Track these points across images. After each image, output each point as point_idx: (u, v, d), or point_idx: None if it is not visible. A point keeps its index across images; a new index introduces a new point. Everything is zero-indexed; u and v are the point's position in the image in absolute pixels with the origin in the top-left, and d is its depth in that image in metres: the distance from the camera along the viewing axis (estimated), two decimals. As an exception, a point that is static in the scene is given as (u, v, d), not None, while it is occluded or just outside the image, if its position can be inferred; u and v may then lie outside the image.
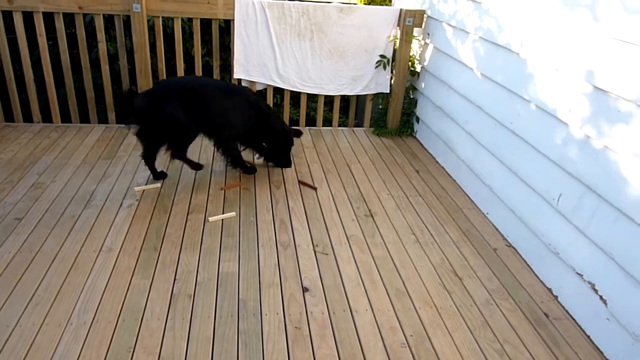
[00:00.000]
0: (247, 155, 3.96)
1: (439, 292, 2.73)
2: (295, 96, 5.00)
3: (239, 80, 4.67)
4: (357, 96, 5.12)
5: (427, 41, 4.62)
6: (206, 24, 4.64)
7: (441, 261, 2.99)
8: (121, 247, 2.89)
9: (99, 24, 4.29)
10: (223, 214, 3.30)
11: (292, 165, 4.05)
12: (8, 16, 4.22)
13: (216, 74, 4.69)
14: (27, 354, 2.14)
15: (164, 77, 4.54)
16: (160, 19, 4.36)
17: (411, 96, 4.99)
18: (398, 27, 4.71)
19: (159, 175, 3.70)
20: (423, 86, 4.74)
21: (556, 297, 2.76)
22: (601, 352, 2.40)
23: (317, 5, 4.51)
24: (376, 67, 4.82)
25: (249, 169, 3.89)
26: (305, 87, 4.82)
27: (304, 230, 3.20)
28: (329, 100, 5.10)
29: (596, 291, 2.47)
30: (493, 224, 3.42)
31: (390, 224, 3.34)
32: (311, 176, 3.93)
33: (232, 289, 2.62)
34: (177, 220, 3.20)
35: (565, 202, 2.73)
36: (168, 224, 3.15)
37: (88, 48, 4.42)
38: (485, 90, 3.59)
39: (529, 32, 3.08)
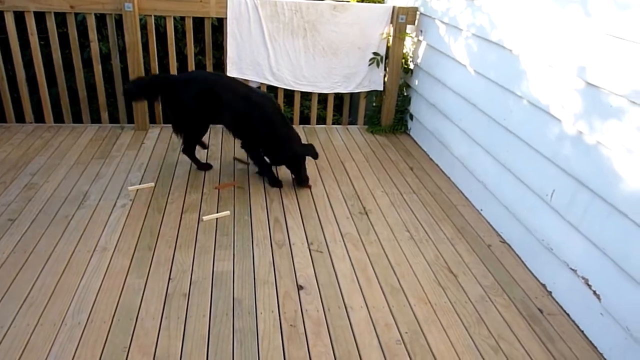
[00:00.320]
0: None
1: (434, 288, 2.74)
2: (289, 94, 5.00)
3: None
4: (351, 94, 5.12)
5: (420, 38, 4.62)
6: (199, 22, 4.63)
7: (436, 258, 3.00)
8: (115, 246, 2.88)
9: (91, 23, 4.27)
10: (217, 213, 3.29)
11: (307, 182, 3.73)
12: (-1, 16, 4.20)
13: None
14: (21, 355, 2.13)
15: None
16: (153, 17, 4.34)
17: (405, 94, 4.99)
18: (391, 25, 4.70)
19: (202, 166, 3.89)
20: (416, 83, 4.75)
21: (550, 292, 2.77)
22: (595, 347, 2.42)
23: (310, 3, 4.50)
24: (369, 65, 4.82)
25: (275, 182, 3.72)
26: (299, 85, 4.82)
27: (298, 229, 3.20)
28: (322, 98, 5.09)
29: (590, 286, 2.48)
30: (487, 221, 3.43)
31: (385, 221, 3.35)
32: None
33: (227, 287, 2.62)
34: (171, 219, 3.19)
35: (558, 198, 2.74)
36: (162, 223, 3.15)
37: (80, 47, 4.40)
38: (478, 87, 3.60)
39: (521, 28, 3.08)
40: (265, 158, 3.74)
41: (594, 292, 2.45)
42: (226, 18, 4.43)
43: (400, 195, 3.72)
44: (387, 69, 4.87)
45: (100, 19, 4.63)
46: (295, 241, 3.06)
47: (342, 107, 5.29)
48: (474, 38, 3.65)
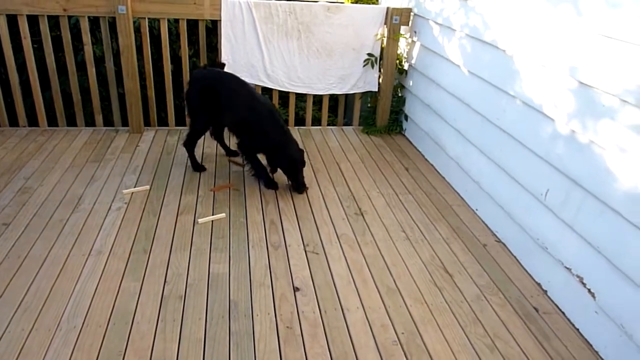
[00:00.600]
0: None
1: (430, 289, 2.74)
2: (284, 96, 5.00)
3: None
4: (346, 95, 5.12)
5: (414, 39, 4.63)
6: (193, 24, 4.63)
7: (431, 258, 3.01)
8: (110, 250, 2.88)
9: (85, 26, 4.26)
10: (213, 215, 3.29)
11: (304, 187, 3.68)
12: (-8, 19, 4.18)
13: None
14: (16, 360, 2.12)
15: (151, 79, 4.51)
16: (147, 20, 4.33)
17: (399, 94, 5.00)
18: (385, 26, 4.71)
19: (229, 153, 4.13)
20: (411, 84, 4.76)
21: (545, 291, 2.78)
22: (590, 345, 2.43)
23: (304, 4, 4.51)
24: (364, 66, 4.83)
25: (271, 184, 3.71)
26: (294, 87, 4.82)
27: (294, 230, 3.20)
28: (317, 99, 5.10)
29: (584, 285, 2.50)
30: (482, 220, 3.44)
31: (381, 222, 3.35)
32: (301, 176, 3.93)
33: (223, 290, 2.62)
34: (166, 222, 3.19)
35: (552, 197, 2.75)
36: (157, 226, 3.14)
37: (74, 51, 4.38)
38: (472, 87, 3.61)
39: (514, 28, 3.10)
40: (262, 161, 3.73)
41: (589, 291, 2.46)
42: (220, 20, 4.42)
43: (395, 195, 3.73)
44: (382, 69, 4.88)
45: (94, 21, 4.62)
46: (291, 243, 3.06)
47: (337, 108, 5.30)
48: (467, 38, 3.66)
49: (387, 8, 4.66)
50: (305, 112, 5.09)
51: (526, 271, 2.95)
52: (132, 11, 4.20)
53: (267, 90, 4.86)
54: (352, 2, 5.19)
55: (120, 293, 2.55)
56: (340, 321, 2.46)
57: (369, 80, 4.93)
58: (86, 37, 4.31)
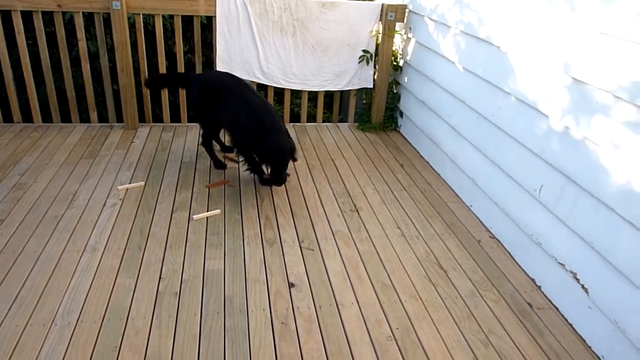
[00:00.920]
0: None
1: (424, 284, 2.75)
2: (279, 92, 4.99)
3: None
4: (341, 92, 5.13)
5: (409, 36, 4.64)
6: (188, 20, 4.61)
7: (426, 254, 3.02)
8: (105, 246, 2.87)
9: (79, 22, 4.24)
10: (208, 211, 3.29)
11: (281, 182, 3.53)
12: (-15, 15, 4.16)
13: (198, 71, 4.67)
14: (11, 356, 2.12)
15: (146, 75, 4.50)
16: (141, 16, 4.32)
17: (394, 91, 5.01)
18: (380, 22, 4.72)
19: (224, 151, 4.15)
20: (406, 81, 4.76)
21: (539, 287, 2.80)
22: (584, 340, 2.44)
23: (299, 0, 4.50)
24: (359, 62, 4.83)
25: (266, 180, 3.62)
26: (289, 83, 4.81)
27: (289, 226, 3.20)
28: (312, 96, 5.09)
29: (578, 280, 2.51)
30: (477, 216, 3.46)
31: (376, 219, 3.36)
32: (296, 172, 3.93)
33: (218, 286, 2.62)
34: (161, 218, 3.18)
35: (547, 193, 2.76)
36: (152, 222, 3.14)
37: (68, 47, 4.37)
38: (467, 84, 3.62)
39: (509, 25, 3.10)
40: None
41: (582, 286, 2.48)
42: (215, 16, 4.41)
43: (390, 192, 3.73)
44: (377, 66, 4.88)
45: (88, 17, 4.59)
46: (286, 239, 3.07)
47: (332, 105, 5.30)
48: (462, 35, 3.67)
49: (382, 4, 4.66)
50: (301, 109, 5.08)
51: (520, 267, 2.96)
52: (127, 7, 4.19)
53: (262, 87, 4.86)
54: (347, -1, 5.19)
55: (115, 289, 2.54)
56: (335, 317, 2.46)
57: (364, 77, 4.93)
58: (80, 33, 4.29)
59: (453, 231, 3.28)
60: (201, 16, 4.51)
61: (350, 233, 3.18)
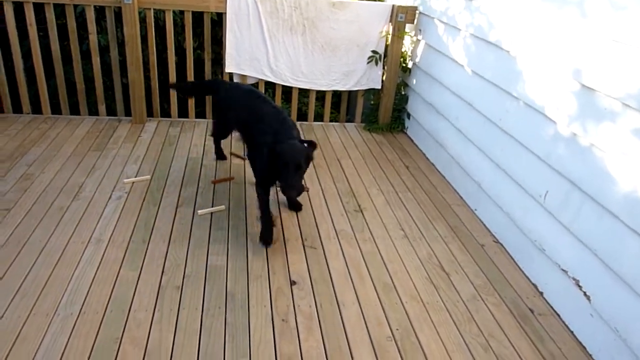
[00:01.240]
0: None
1: (426, 287, 2.75)
2: (287, 91, 5.00)
3: (231, 74, 4.66)
4: (349, 92, 5.13)
5: (419, 37, 4.63)
6: (198, 16, 4.62)
7: (429, 256, 3.02)
8: (110, 239, 2.89)
9: (90, 15, 4.27)
10: (212, 207, 3.30)
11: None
12: (-2, 6, 4.19)
13: (208, 67, 4.69)
14: (13, 345, 2.14)
15: (155, 70, 4.52)
16: (152, 11, 4.33)
17: (402, 92, 5.00)
18: (390, 23, 4.71)
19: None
20: (414, 82, 4.76)
21: (541, 293, 2.79)
22: (584, 348, 2.44)
23: (309, -1, 4.51)
24: (368, 63, 4.83)
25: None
26: (297, 82, 4.82)
27: (293, 225, 3.21)
28: (320, 95, 5.10)
29: (580, 287, 2.50)
30: (481, 220, 3.45)
31: (380, 219, 3.36)
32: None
33: (220, 281, 2.63)
34: (166, 213, 3.20)
35: (551, 199, 2.75)
36: (157, 216, 3.15)
37: (79, 39, 4.39)
38: (475, 87, 3.61)
39: (519, 29, 3.09)
40: None
41: (585, 293, 2.47)
42: (225, 13, 4.43)
43: (395, 193, 3.73)
44: (386, 67, 4.88)
45: (100, 11, 4.62)
46: (290, 237, 3.07)
47: (339, 105, 5.30)
48: (472, 38, 3.66)
49: (393, 5, 4.66)
50: (308, 108, 5.09)
51: (523, 272, 2.95)
52: (138, 1, 4.21)
53: (270, 85, 4.87)
54: (358, -1, 5.18)
55: (118, 281, 2.56)
56: (335, 316, 2.47)
57: (373, 78, 4.93)
58: (91, 26, 4.31)
59: (457, 234, 3.27)
60: (212, 12, 4.52)
61: (354, 233, 3.18)
